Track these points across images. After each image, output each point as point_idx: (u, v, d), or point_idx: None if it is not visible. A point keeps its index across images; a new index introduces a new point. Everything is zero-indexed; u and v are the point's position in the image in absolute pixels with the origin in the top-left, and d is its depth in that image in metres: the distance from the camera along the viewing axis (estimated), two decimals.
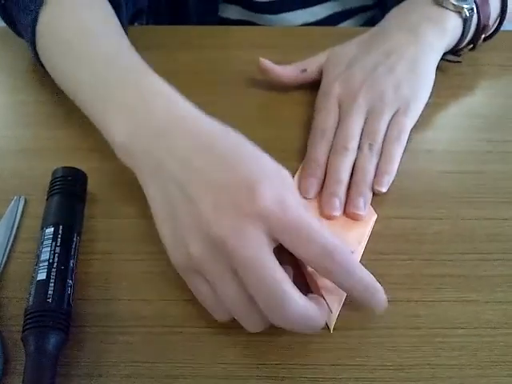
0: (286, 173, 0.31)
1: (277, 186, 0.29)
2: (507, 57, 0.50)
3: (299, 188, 0.39)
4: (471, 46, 0.47)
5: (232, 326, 0.32)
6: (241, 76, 0.47)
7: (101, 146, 0.41)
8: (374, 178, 0.39)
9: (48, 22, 0.41)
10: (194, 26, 0.53)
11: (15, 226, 0.37)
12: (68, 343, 0.31)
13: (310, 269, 0.33)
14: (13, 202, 0.38)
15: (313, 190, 0.38)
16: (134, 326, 0.32)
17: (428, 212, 0.38)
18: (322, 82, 0.44)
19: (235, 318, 0.31)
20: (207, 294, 0.31)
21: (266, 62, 0.45)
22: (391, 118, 0.40)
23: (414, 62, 0.42)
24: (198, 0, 0.58)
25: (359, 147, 0.39)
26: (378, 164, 0.39)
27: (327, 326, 0.32)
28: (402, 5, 0.46)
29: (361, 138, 0.40)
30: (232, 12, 0.61)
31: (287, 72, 0.45)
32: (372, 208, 0.38)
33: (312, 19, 0.60)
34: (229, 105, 0.43)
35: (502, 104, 0.46)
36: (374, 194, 0.39)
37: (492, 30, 0.48)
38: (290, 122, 0.44)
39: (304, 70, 0.45)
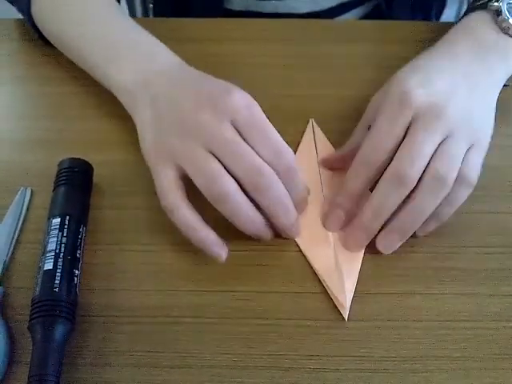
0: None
1: (248, 96, 0.35)
2: None
3: (323, 219, 0.36)
4: None
5: (236, 317, 0.33)
6: (245, 69, 0.47)
7: (107, 138, 0.42)
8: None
9: None
10: (198, 18, 0.52)
11: (22, 217, 0.37)
12: (74, 332, 0.31)
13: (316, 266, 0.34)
14: (19, 194, 0.38)
15: (337, 225, 0.36)
16: (138, 316, 0.33)
17: None
18: (392, 87, 0.36)
19: (220, 207, 0.33)
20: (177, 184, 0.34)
21: (326, 158, 0.40)
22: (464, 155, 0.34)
23: (486, 94, 0.37)
24: None
25: (425, 176, 0.33)
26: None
27: (341, 315, 0.33)
28: (465, 22, 0.41)
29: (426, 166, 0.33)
30: (235, 3, 0.61)
31: (354, 144, 0.38)
32: None
33: (318, 8, 0.59)
34: None
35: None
36: None
37: None
38: (299, 116, 0.43)
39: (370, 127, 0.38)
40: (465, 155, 0.34)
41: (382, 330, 0.32)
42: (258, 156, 0.33)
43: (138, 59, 0.40)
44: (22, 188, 0.38)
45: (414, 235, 0.35)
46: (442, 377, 0.31)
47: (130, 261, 0.35)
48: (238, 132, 0.33)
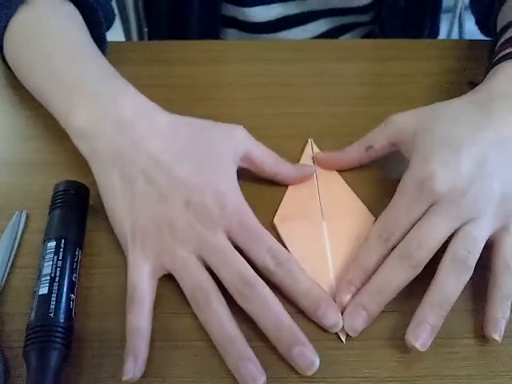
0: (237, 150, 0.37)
1: (234, 185, 0.35)
2: None
3: (337, 291, 0.33)
4: None
5: None
6: (241, 90, 0.48)
7: None
8: (489, 322, 0.31)
9: (18, 28, 0.42)
10: (191, 40, 0.53)
11: (17, 241, 0.36)
12: (70, 358, 0.31)
13: None
14: (14, 217, 0.37)
15: (347, 298, 0.33)
16: None
17: None
18: (414, 163, 0.34)
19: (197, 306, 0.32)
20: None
21: (319, 155, 0.41)
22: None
23: None
24: (199, 25, 0.59)
25: (445, 257, 0.32)
26: None
27: (339, 337, 0.32)
28: (491, 86, 0.37)
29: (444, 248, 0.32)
30: (229, 35, 0.62)
31: (349, 156, 0.39)
32: None
33: (308, 36, 0.60)
34: (232, 120, 0.43)
35: None
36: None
37: None
38: (291, 136, 0.44)
39: (369, 148, 0.38)
40: (499, 238, 0.33)
41: (385, 350, 0.32)
42: (246, 265, 0.32)
43: (97, 106, 0.37)
44: (17, 212, 0.38)
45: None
46: None
47: (125, 284, 0.34)
48: (229, 234, 0.33)
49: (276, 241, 0.34)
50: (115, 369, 0.31)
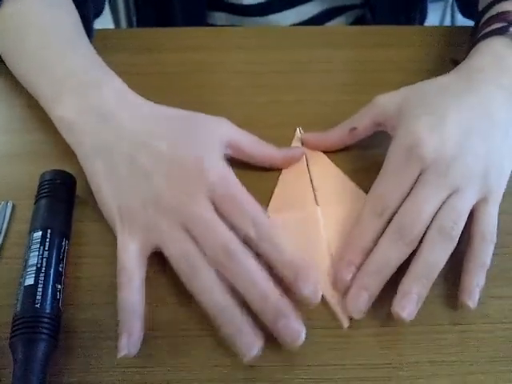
0: (222, 131, 0.36)
1: (219, 160, 0.34)
2: None
3: (334, 273, 0.33)
4: None
5: None
6: (231, 78, 0.47)
7: None
8: (464, 289, 0.32)
9: (7, 19, 0.42)
10: (179, 27, 0.52)
11: (3, 232, 0.36)
12: (58, 350, 0.30)
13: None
14: (0, 207, 0.37)
15: (348, 278, 0.32)
16: None
17: None
18: (401, 133, 0.35)
19: (191, 286, 0.31)
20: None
21: (306, 136, 0.41)
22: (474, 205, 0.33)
23: (506, 134, 0.35)
24: (184, 9, 0.58)
25: (430, 229, 0.32)
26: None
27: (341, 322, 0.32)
28: (475, 60, 0.38)
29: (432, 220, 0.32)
30: (218, 18, 0.61)
31: (332, 137, 0.40)
32: None
33: (299, 19, 0.60)
34: (222, 107, 0.43)
35: None
36: None
37: None
38: (281, 124, 0.43)
39: (353, 129, 0.39)
40: (478, 209, 0.33)
41: (377, 337, 0.32)
42: (231, 236, 0.31)
43: (81, 96, 0.37)
44: (2, 202, 0.37)
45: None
46: (440, 382, 0.30)
47: (114, 274, 0.34)
48: (214, 204, 0.33)
49: (261, 210, 0.33)
50: (104, 359, 0.30)
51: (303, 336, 0.30)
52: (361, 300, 0.31)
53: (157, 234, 0.33)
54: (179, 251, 0.32)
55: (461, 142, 0.33)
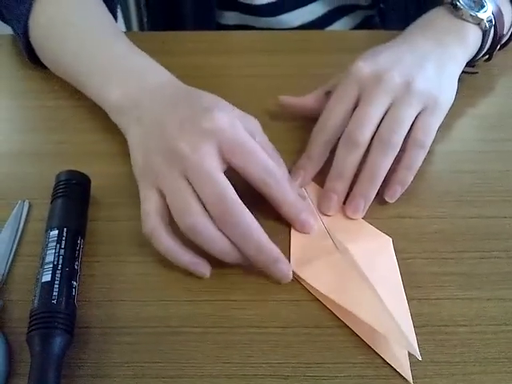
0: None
1: (230, 113, 0.36)
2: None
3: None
4: (487, 56, 0.47)
5: (234, 326, 0.33)
6: (238, 81, 0.48)
7: (103, 150, 0.42)
8: (386, 185, 0.37)
9: (42, 13, 0.45)
10: (189, 31, 0.53)
11: (20, 230, 0.37)
12: (72, 344, 0.31)
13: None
14: (17, 206, 0.38)
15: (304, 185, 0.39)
16: (137, 327, 0.33)
17: (429, 211, 0.38)
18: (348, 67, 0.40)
19: (192, 235, 0.33)
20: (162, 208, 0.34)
21: (285, 98, 0.44)
22: (416, 117, 0.38)
23: (441, 66, 0.40)
24: (194, 8, 0.59)
25: (374, 139, 0.37)
26: (392, 165, 0.37)
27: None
28: (423, 17, 0.45)
29: (377, 129, 0.37)
30: (229, 18, 0.62)
31: (310, 101, 0.43)
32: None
33: (309, 18, 0.61)
34: None
35: (499, 103, 0.47)
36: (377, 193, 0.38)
37: (506, 38, 0.47)
38: (296, 125, 0.44)
39: (328, 92, 0.41)
40: (416, 118, 0.37)
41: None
42: (227, 188, 0.33)
43: (129, 80, 0.41)
44: (19, 201, 0.38)
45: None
46: (442, 382, 0.30)
47: (127, 272, 0.35)
48: (224, 156, 0.34)
49: (264, 153, 0.35)
50: (117, 354, 0.32)
51: (291, 275, 0.34)
52: (331, 201, 0.37)
53: (164, 187, 0.34)
54: (177, 197, 0.33)
55: (392, 62, 0.39)
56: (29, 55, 0.47)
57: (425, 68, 0.39)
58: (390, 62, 0.39)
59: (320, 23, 0.61)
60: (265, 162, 0.34)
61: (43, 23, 0.45)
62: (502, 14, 0.44)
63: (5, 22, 0.49)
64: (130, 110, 0.39)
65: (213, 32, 0.54)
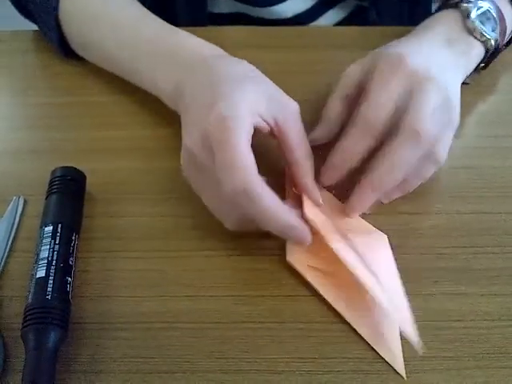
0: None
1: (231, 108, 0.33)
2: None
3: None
4: (483, 65, 0.45)
5: (230, 321, 0.33)
6: None
7: (99, 146, 0.42)
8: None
9: (72, 5, 0.45)
10: (186, 27, 0.53)
11: (15, 226, 0.37)
12: (67, 340, 0.31)
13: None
14: (12, 203, 0.38)
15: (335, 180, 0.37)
16: (132, 323, 0.33)
17: (424, 207, 0.38)
18: (383, 56, 0.38)
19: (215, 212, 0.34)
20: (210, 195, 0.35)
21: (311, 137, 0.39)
22: None
23: (454, 76, 0.39)
24: None
25: (351, 123, 0.35)
26: None
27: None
28: (436, 18, 0.43)
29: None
30: (223, 6, 0.61)
31: (338, 109, 0.40)
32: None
33: (302, 8, 0.60)
34: None
35: (498, 100, 0.47)
36: None
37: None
38: None
39: (347, 96, 0.39)
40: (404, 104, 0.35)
41: None
42: (252, 174, 0.31)
43: (177, 66, 0.40)
44: (14, 197, 0.38)
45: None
46: (436, 377, 0.31)
47: (122, 268, 0.35)
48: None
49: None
50: (112, 349, 0.32)
51: (310, 239, 0.33)
52: (331, 176, 0.36)
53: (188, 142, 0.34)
54: (192, 156, 0.34)
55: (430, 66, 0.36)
56: (63, 48, 0.47)
57: (448, 81, 0.37)
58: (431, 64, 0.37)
59: (313, 13, 0.61)
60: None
61: (75, 15, 0.45)
62: (504, 35, 0.43)
63: (28, 18, 0.50)
64: (180, 96, 0.38)
65: (206, 28, 0.54)
